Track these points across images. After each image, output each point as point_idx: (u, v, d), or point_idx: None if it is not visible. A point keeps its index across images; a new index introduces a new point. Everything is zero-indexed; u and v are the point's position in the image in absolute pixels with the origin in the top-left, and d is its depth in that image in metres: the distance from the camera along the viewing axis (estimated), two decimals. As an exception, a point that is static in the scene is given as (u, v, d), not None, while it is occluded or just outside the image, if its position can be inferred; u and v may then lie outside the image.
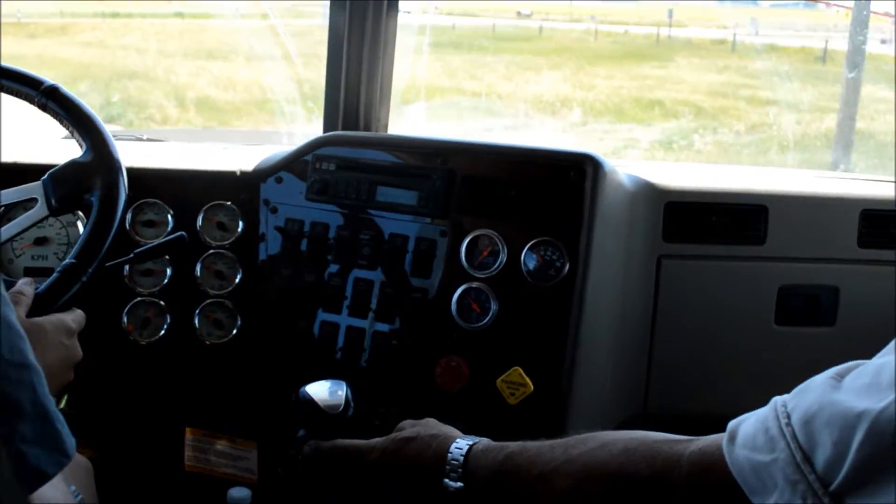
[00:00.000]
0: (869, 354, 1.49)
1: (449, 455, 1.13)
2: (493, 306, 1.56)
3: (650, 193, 1.72)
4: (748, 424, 0.89)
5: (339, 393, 1.33)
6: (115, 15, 14.65)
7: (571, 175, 1.55)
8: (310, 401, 1.32)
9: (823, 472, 0.78)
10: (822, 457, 0.78)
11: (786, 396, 0.88)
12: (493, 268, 1.57)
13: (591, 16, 13.92)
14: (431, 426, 1.24)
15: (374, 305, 1.64)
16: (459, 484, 1.11)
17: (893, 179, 2.07)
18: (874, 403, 0.76)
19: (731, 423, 0.91)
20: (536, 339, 1.54)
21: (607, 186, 1.56)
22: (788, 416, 0.84)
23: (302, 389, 1.35)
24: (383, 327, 1.64)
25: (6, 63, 1.52)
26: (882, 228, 1.81)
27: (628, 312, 1.70)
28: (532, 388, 1.52)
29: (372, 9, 1.87)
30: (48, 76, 1.53)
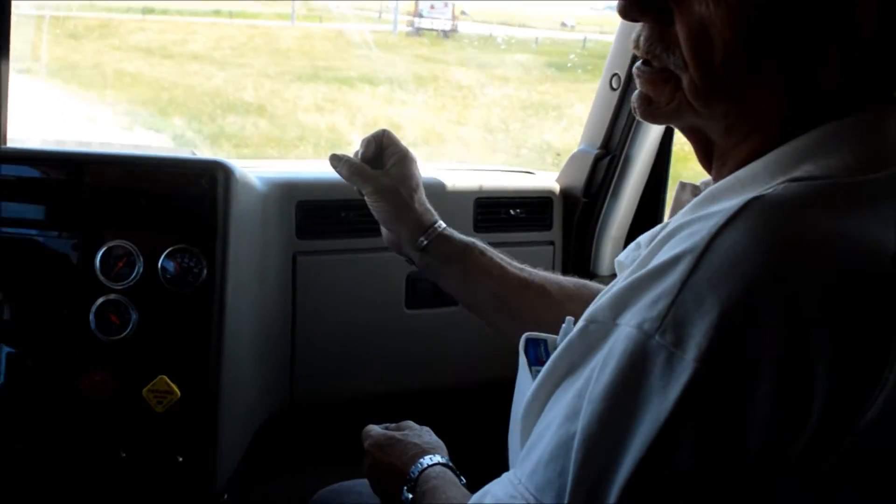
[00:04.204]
0: (490, 329, 1.65)
1: (412, 467, 1.20)
2: (134, 316, 1.56)
3: (282, 194, 1.79)
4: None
5: None
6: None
7: (203, 182, 1.58)
8: None
9: None
10: None
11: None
12: (131, 278, 1.56)
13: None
14: (421, 434, 1.31)
15: (5, 327, 1.58)
16: (410, 496, 1.18)
17: (502, 169, 2.30)
18: None
19: None
20: (180, 345, 1.57)
21: (240, 191, 1.61)
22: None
23: None
24: (18, 349, 1.58)
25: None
26: (493, 214, 2.01)
27: (269, 310, 1.76)
28: (179, 394, 1.54)
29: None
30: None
